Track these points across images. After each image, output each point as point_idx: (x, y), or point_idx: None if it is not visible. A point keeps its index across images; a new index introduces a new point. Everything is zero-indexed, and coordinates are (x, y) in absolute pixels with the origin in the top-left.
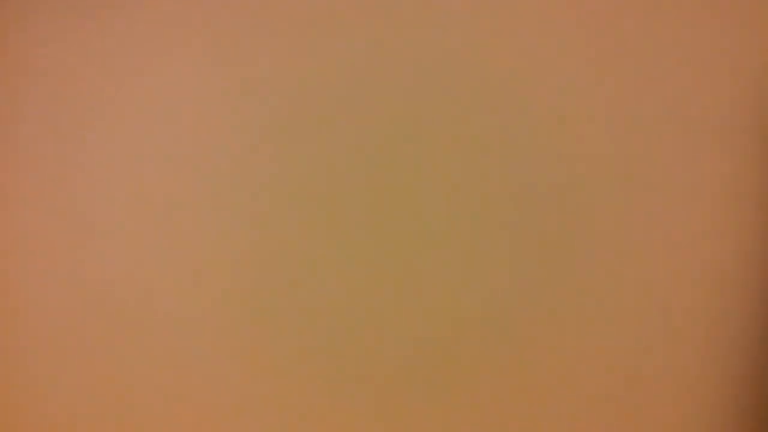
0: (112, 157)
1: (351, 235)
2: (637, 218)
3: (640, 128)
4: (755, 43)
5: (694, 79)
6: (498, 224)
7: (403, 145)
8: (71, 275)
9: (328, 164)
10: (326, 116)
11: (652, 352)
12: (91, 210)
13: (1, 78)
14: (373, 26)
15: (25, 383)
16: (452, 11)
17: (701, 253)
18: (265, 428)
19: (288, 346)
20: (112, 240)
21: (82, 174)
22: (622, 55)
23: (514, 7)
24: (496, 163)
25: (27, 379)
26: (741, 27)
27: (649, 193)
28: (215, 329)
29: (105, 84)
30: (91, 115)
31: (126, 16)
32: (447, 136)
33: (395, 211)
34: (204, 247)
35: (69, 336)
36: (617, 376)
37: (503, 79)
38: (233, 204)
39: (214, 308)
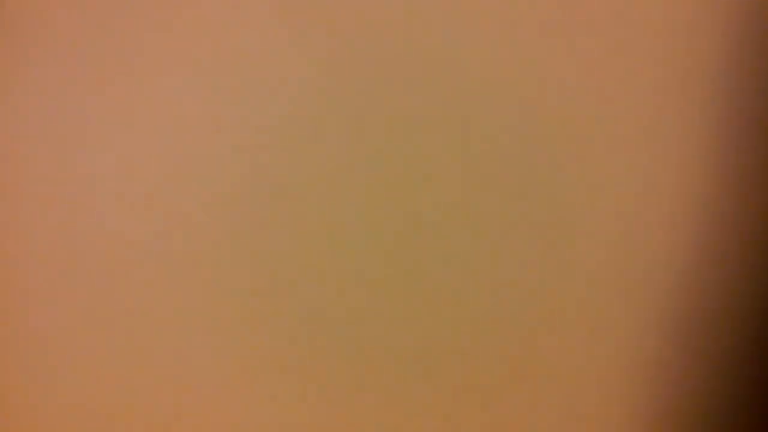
0: (110, 155)
1: (347, 233)
2: (639, 217)
3: (641, 127)
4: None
5: (694, 76)
6: (498, 223)
7: (402, 144)
8: (70, 275)
9: (327, 163)
10: (325, 115)
11: (652, 352)
12: (91, 209)
13: (1, 75)
14: (371, 24)
15: (26, 384)
16: (452, 9)
17: (702, 252)
18: (263, 427)
19: (288, 345)
20: (112, 239)
21: (80, 172)
22: (623, 52)
23: (512, 4)
24: (496, 161)
25: (27, 380)
26: (743, 23)
27: (650, 192)
28: (215, 329)
29: (103, 83)
30: (89, 113)
31: (125, 16)
32: (446, 136)
33: (393, 210)
34: (205, 246)
35: (67, 336)
36: (618, 375)
37: (503, 77)
38: (233, 203)
39: (214, 308)
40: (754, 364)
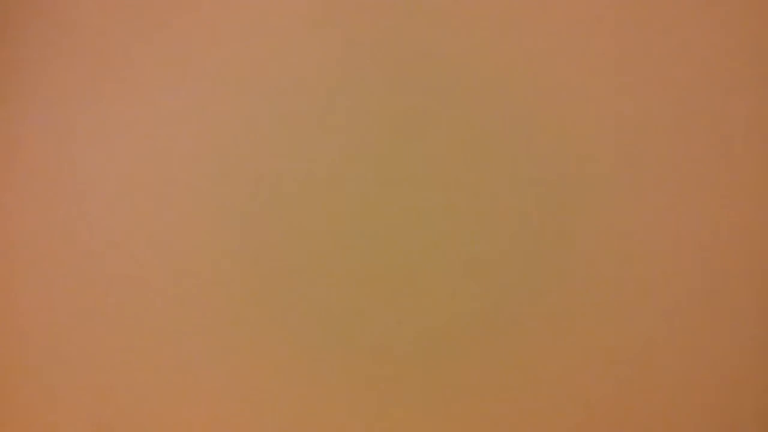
0: (109, 156)
1: (349, 233)
2: (639, 217)
3: (642, 126)
4: (758, 37)
5: (695, 76)
6: (499, 221)
7: (402, 144)
8: (69, 274)
9: (328, 162)
10: (325, 114)
11: (651, 352)
12: (90, 209)
13: (1, 78)
14: (372, 24)
15: (24, 383)
16: (453, 9)
17: (703, 252)
18: (260, 426)
19: (287, 344)
20: (111, 240)
21: (79, 173)
22: (623, 52)
23: (514, 4)
24: (495, 159)
25: (26, 378)
26: (743, 23)
27: (650, 191)
28: (214, 328)
29: (102, 83)
30: (88, 113)
31: (124, 17)
32: (448, 136)
33: (393, 210)
34: (204, 246)
35: (66, 336)
36: (617, 374)
37: (504, 77)
38: (232, 203)
39: (213, 308)
40: None
